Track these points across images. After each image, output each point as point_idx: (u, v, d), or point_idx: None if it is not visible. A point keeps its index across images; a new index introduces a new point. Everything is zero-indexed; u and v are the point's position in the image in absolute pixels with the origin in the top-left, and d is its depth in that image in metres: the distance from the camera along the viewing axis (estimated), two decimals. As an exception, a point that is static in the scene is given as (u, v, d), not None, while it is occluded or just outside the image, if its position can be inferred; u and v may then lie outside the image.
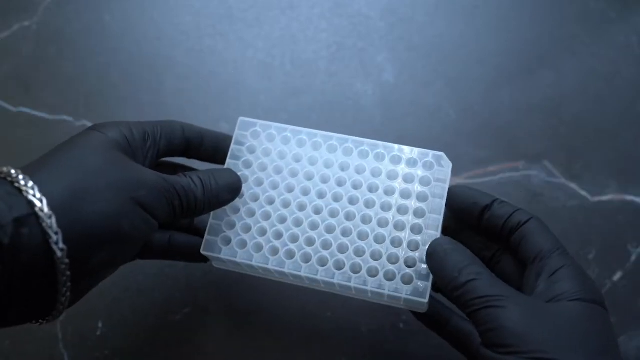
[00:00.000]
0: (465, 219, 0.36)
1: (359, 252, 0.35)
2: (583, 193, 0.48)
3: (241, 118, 0.38)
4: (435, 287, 0.36)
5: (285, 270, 0.35)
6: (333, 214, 0.36)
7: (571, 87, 0.50)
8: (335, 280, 0.35)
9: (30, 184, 0.27)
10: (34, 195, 0.27)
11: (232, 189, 0.36)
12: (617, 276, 0.46)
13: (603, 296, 0.31)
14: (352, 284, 0.34)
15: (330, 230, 0.36)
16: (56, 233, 0.27)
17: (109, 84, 0.51)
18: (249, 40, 0.52)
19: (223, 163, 0.38)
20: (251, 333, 0.45)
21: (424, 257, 0.34)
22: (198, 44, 0.51)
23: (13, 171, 0.28)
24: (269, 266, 0.35)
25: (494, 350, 0.29)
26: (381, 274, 0.34)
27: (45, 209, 0.27)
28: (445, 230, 0.38)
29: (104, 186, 0.29)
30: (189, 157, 0.39)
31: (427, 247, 0.33)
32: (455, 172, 0.48)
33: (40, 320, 0.30)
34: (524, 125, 0.49)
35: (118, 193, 0.29)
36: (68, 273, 0.27)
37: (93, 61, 0.51)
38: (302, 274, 0.35)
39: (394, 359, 0.44)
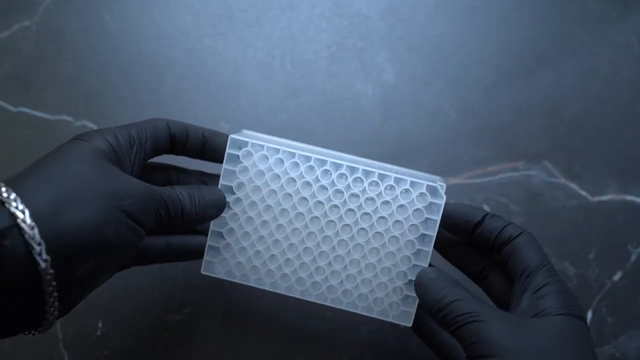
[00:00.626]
0: (459, 235, 0.37)
1: (350, 280, 0.37)
2: (583, 193, 0.48)
3: (231, 136, 0.37)
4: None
5: (281, 292, 0.38)
6: (326, 242, 0.37)
7: (571, 87, 0.50)
8: (327, 303, 0.37)
9: (13, 195, 0.27)
10: (17, 207, 0.27)
11: (218, 206, 0.37)
12: (617, 276, 0.46)
13: (584, 311, 0.32)
14: (343, 307, 0.37)
15: (323, 258, 0.38)
16: (39, 244, 0.27)
17: (109, 84, 0.51)
18: (249, 40, 0.52)
19: (210, 159, 0.39)
20: (251, 333, 0.45)
21: (411, 286, 0.36)
22: (198, 44, 0.51)
23: None
24: (266, 288, 0.38)
25: None
26: (370, 300, 0.37)
27: (28, 220, 0.27)
28: (440, 244, 0.38)
29: (89, 195, 0.29)
30: (177, 154, 0.38)
31: (414, 277, 0.36)
32: (455, 172, 0.48)
33: (32, 332, 0.30)
34: (524, 125, 0.49)
35: (103, 201, 0.29)
36: (54, 283, 0.27)
37: (93, 61, 0.51)
38: (297, 296, 0.38)
39: (394, 359, 0.44)
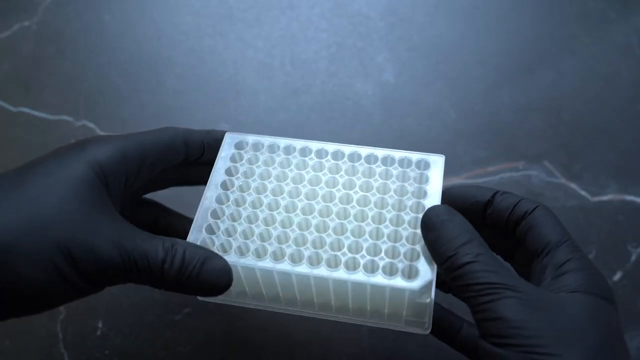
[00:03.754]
0: (469, 219, 0.32)
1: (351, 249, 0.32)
2: (583, 193, 0.48)
3: (228, 133, 0.36)
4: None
5: (282, 268, 0.31)
6: (323, 213, 0.33)
7: (571, 87, 0.50)
8: (331, 274, 0.31)
9: None
10: None
11: (217, 288, 0.30)
12: (617, 276, 0.46)
13: (611, 290, 0.29)
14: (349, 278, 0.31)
15: (320, 229, 0.33)
16: None
17: (109, 84, 0.51)
18: (249, 40, 0.52)
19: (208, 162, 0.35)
20: (251, 333, 0.45)
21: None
22: (198, 44, 0.51)
23: None
24: (262, 264, 0.32)
25: (490, 340, 0.27)
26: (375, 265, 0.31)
27: None
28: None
29: (38, 245, 0.26)
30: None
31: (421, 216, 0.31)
32: (455, 172, 0.48)
33: None
34: (524, 125, 0.49)
35: (49, 256, 0.26)
36: None
37: (93, 61, 0.51)
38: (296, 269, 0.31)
39: (394, 359, 0.44)
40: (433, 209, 0.31)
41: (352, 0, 0.52)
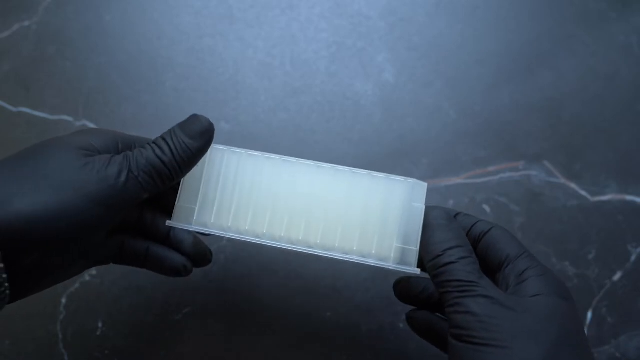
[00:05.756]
0: None
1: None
2: (583, 193, 0.48)
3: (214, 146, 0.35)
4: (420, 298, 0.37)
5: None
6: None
7: (571, 87, 0.50)
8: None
9: None
10: None
11: (203, 133, 0.33)
12: (617, 276, 0.46)
13: (570, 293, 0.32)
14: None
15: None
16: None
17: (109, 83, 0.51)
18: (249, 40, 0.52)
19: None
20: (251, 333, 0.45)
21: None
22: (198, 44, 0.51)
23: None
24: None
25: (455, 332, 0.30)
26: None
27: None
28: None
29: (45, 187, 0.28)
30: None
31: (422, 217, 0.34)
32: (455, 172, 0.48)
33: None
34: (524, 125, 0.49)
35: (55, 190, 0.28)
36: (4, 275, 0.27)
37: (93, 61, 0.51)
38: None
39: (394, 359, 0.44)
40: (434, 210, 0.34)
41: (352, 0, 0.52)
